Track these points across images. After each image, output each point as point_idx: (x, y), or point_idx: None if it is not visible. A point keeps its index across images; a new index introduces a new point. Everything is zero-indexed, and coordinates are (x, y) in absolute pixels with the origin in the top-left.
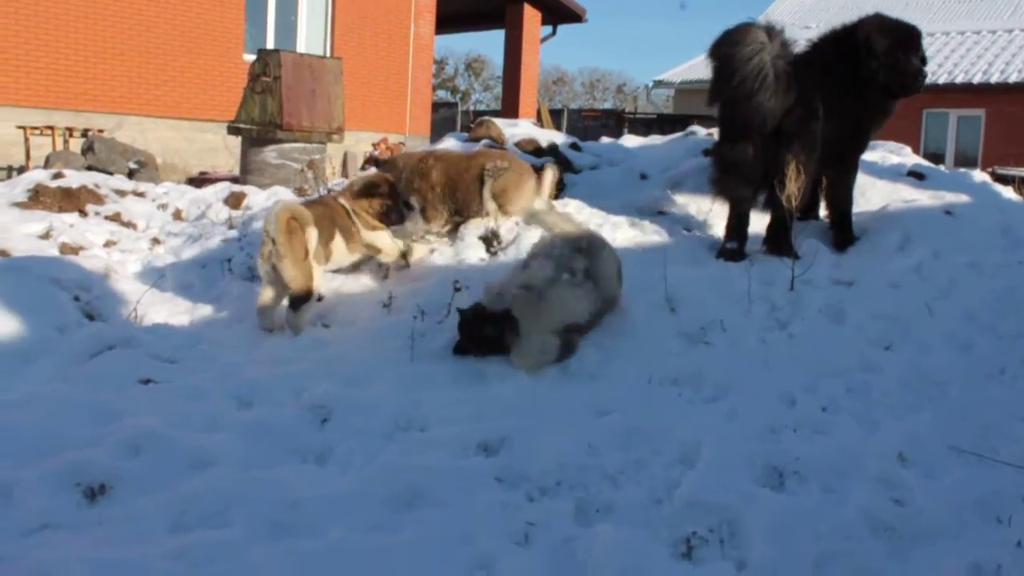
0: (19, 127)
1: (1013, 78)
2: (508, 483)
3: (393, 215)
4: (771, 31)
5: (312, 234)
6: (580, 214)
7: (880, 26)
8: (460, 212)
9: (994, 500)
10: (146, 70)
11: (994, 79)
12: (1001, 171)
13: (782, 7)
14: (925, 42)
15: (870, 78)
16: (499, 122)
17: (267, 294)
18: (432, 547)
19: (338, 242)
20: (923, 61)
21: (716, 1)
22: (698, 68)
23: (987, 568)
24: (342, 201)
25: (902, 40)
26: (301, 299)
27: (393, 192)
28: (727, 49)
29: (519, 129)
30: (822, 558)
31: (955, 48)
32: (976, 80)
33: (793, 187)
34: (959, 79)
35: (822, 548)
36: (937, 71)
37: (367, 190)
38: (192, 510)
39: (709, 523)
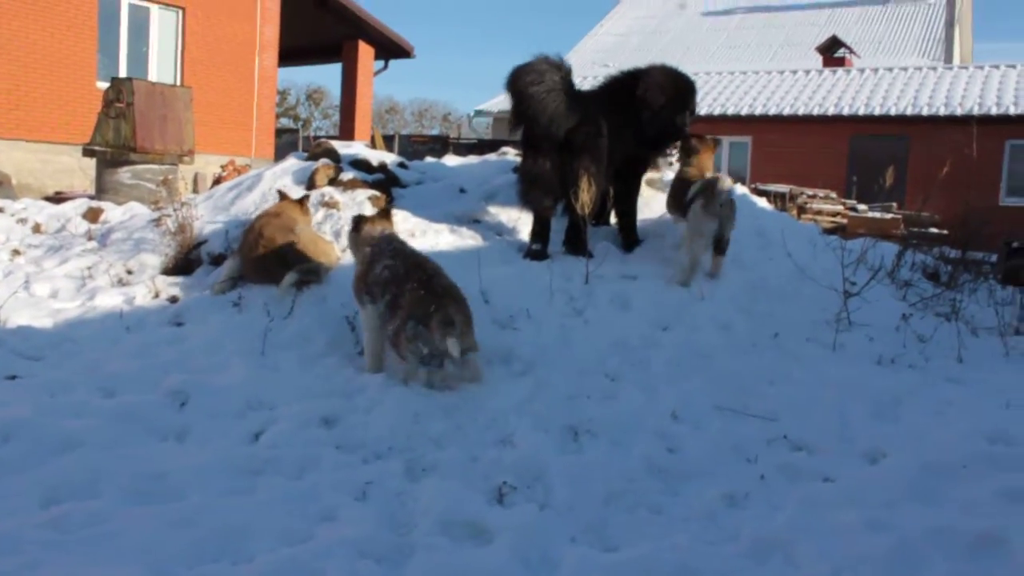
0: None
1: (772, 111)
2: (346, 449)
3: None
4: (554, 62)
5: None
6: (407, 223)
7: (658, 84)
8: None
9: (746, 444)
10: None
11: (757, 112)
12: (761, 187)
13: (587, 45)
14: (702, 80)
15: (644, 124)
16: (335, 143)
17: None
18: (283, 505)
19: None
20: (692, 112)
21: (526, 41)
22: None
23: (738, 496)
24: None
25: (674, 99)
26: None
27: None
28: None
29: (352, 150)
30: (610, 496)
31: (727, 86)
32: (744, 112)
33: (586, 197)
34: (730, 111)
35: (610, 489)
36: (712, 104)
37: None
38: (63, 486)
39: (517, 474)
